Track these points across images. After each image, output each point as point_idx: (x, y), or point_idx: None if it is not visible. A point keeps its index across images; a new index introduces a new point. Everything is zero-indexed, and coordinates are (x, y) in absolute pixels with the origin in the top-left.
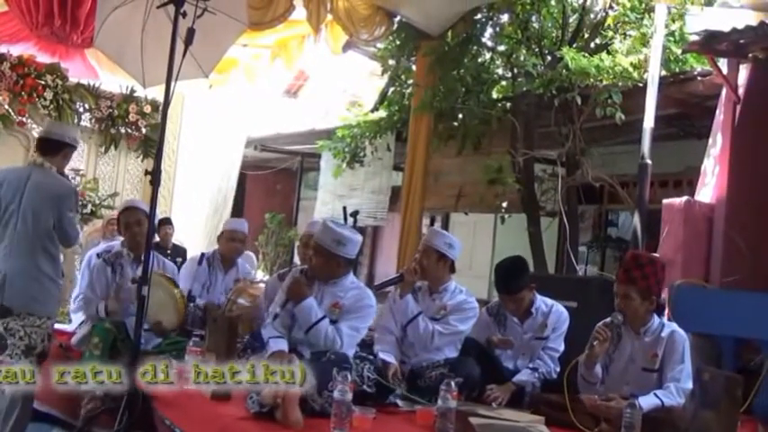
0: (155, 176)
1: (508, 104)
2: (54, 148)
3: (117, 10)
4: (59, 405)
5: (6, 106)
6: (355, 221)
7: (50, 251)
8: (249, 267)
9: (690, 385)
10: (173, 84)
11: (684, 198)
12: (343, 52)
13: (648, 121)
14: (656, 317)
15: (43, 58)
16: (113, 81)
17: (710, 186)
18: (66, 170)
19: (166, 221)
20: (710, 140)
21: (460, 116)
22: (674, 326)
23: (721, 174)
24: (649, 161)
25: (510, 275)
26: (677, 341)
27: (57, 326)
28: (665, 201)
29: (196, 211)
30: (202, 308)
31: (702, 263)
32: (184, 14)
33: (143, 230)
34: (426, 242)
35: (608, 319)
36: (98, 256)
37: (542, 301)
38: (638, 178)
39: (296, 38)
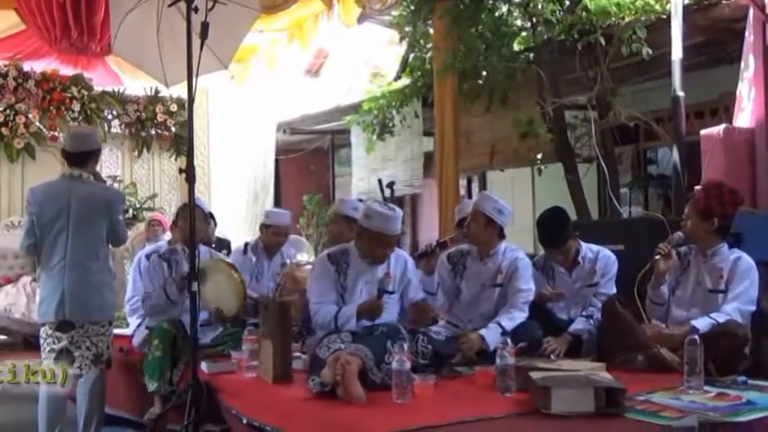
0: (189, 173)
1: (531, 55)
2: (84, 158)
3: (130, 14)
4: (128, 406)
5: (37, 123)
6: (392, 192)
7: (104, 258)
8: (294, 250)
9: (751, 307)
10: (194, 80)
11: (722, 126)
12: (358, 24)
13: (676, 53)
14: (725, 245)
15: (66, 71)
16: (137, 85)
17: (748, 111)
18: (104, 177)
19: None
20: (742, 64)
21: (484, 73)
22: (743, 253)
23: (758, 97)
24: (681, 93)
25: (552, 228)
26: (744, 264)
27: (115, 330)
28: (702, 131)
29: (235, 202)
30: (254, 297)
31: (748, 190)
32: (196, 9)
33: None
34: (475, 206)
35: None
36: (147, 257)
37: (588, 249)
38: (672, 112)
39: (310, 17)
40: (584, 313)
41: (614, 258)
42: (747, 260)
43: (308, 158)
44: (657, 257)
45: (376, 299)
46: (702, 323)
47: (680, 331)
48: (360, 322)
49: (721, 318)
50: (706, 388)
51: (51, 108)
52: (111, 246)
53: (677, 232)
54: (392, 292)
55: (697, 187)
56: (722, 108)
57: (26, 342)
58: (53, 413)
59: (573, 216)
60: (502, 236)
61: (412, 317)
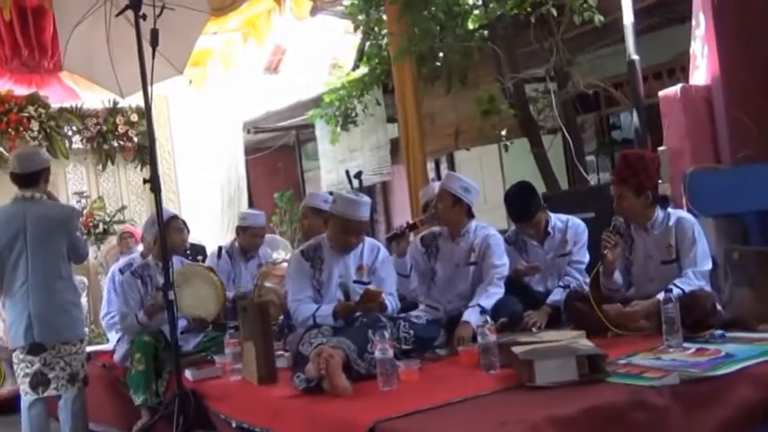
0: (153, 183)
1: (486, 32)
2: (34, 178)
3: (77, 28)
4: (115, 421)
5: None
6: (360, 182)
7: (66, 277)
8: (270, 250)
9: (707, 266)
10: (149, 88)
11: (679, 86)
12: (311, 17)
13: (628, 17)
14: (659, 210)
15: (21, 91)
16: (95, 98)
17: (703, 69)
18: (70, 194)
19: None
20: (693, 22)
21: (441, 55)
22: (680, 212)
23: (711, 54)
24: (636, 57)
25: (520, 203)
26: (686, 226)
27: (96, 347)
28: (660, 92)
29: (208, 207)
30: (232, 300)
31: (710, 146)
32: (144, 17)
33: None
34: (442, 186)
35: (610, 226)
36: (121, 271)
37: (557, 219)
38: (629, 76)
39: (262, 14)
40: (560, 283)
41: (584, 226)
42: (687, 218)
43: (275, 156)
44: (606, 251)
45: (347, 303)
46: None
47: (640, 307)
48: (337, 321)
49: (686, 286)
50: (685, 345)
51: (9, 130)
52: (72, 263)
53: (616, 217)
54: (367, 283)
55: (617, 157)
56: (679, 68)
57: (9, 367)
58: None
59: (542, 188)
60: (471, 215)
61: (361, 303)
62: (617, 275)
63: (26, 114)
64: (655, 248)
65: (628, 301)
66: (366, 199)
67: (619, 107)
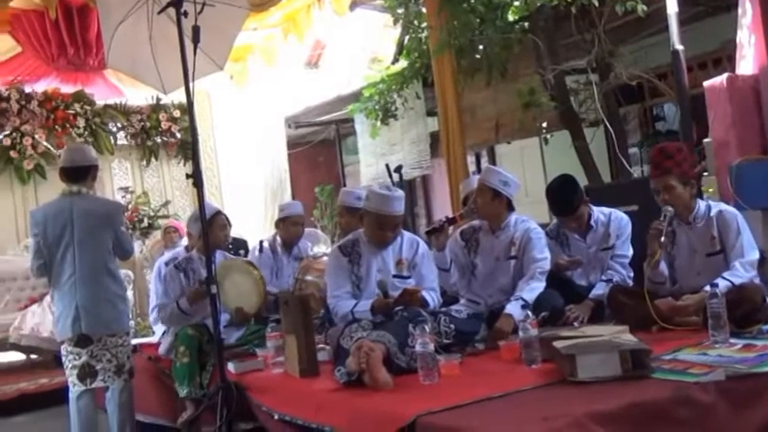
0: (196, 178)
1: (526, 24)
2: (83, 174)
3: (121, 26)
4: (161, 413)
5: (44, 143)
6: (401, 176)
7: (112, 270)
8: (310, 244)
9: (755, 256)
10: (191, 84)
11: (725, 76)
12: (351, 11)
13: (672, 6)
14: (699, 201)
15: (67, 89)
16: (138, 94)
17: (749, 58)
18: (115, 189)
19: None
20: (740, 10)
21: (481, 47)
22: (721, 205)
23: (758, 42)
24: (681, 47)
25: (561, 196)
26: (728, 217)
27: (142, 340)
28: (705, 83)
29: (250, 201)
30: (275, 294)
31: (757, 137)
32: (186, 14)
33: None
34: (480, 180)
35: (661, 217)
36: (166, 264)
37: (600, 212)
38: (673, 66)
39: (302, 9)
40: (603, 277)
41: (627, 219)
42: (728, 210)
43: (315, 150)
44: (663, 239)
45: (384, 300)
46: (720, 285)
47: (693, 300)
48: (376, 317)
49: (735, 278)
50: (732, 341)
51: (56, 127)
52: (118, 259)
53: (665, 207)
54: (407, 277)
55: (652, 151)
56: (724, 57)
57: (58, 359)
58: (86, 427)
59: (584, 181)
60: (511, 207)
61: (399, 300)
62: (663, 267)
63: (72, 111)
64: (698, 241)
65: (676, 296)
66: (400, 193)
67: (663, 98)
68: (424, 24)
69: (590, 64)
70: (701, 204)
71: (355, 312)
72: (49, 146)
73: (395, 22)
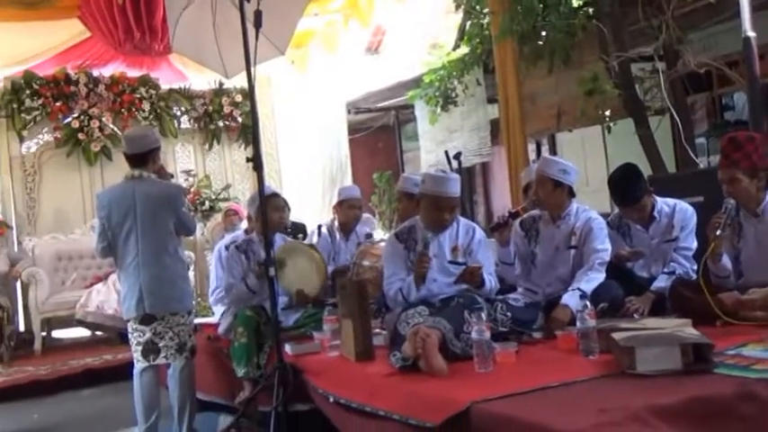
0: (256, 162)
1: (591, 10)
2: (143, 158)
3: (185, 11)
4: (220, 391)
5: (111, 125)
6: (460, 163)
7: (174, 251)
8: (368, 229)
9: None
10: (253, 68)
11: None
12: None
13: None
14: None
15: (133, 73)
16: (202, 79)
17: None
18: (178, 172)
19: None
20: None
21: (544, 34)
22: None
23: None
24: (753, 33)
25: (625, 186)
26: None
27: (202, 320)
28: None
29: (310, 186)
30: (332, 274)
31: None
32: None
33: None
34: (539, 172)
35: (722, 209)
36: (226, 248)
37: (664, 203)
38: (744, 54)
39: None
40: (665, 270)
41: (692, 211)
42: None
43: (375, 136)
44: (719, 232)
45: (422, 254)
46: None
47: (759, 294)
48: (420, 291)
49: None
50: None
51: (123, 110)
52: (183, 237)
53: (727, 200)
54: (463, 263)
55: (722, 140)
56: None
57: (122, 336)
58: (148, 402)
59: (648, 171)
60: (572, 194)
61: (461, 278)
62: (726, 261)
63: (138, 95)
64: (766, 234)
65: (742, 290)
66: (455, 175)
67: (732, 87)
68: (486, 10)
69: (657, 51)
70: None
71: (403, 290)
72: (116, 128)
73: (456, 8)
